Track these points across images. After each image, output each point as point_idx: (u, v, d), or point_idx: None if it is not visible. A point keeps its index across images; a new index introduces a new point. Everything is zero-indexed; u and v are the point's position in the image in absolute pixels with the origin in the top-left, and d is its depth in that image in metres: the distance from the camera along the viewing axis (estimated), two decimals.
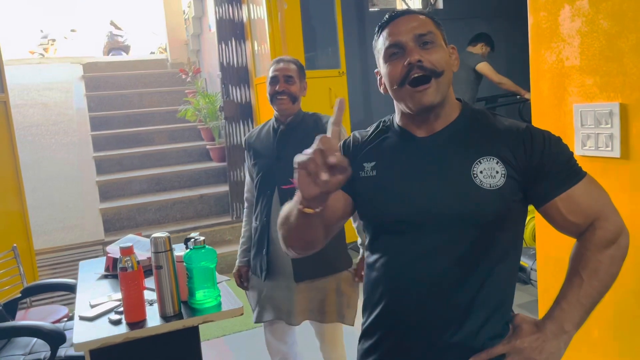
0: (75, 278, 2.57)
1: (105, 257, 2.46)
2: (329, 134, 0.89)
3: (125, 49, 9.29)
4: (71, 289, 2.67)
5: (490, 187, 1.04)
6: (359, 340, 1.23)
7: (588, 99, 1.60)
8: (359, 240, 2.11)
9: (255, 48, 5.05)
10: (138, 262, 1.74)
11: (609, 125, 1.53)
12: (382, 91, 1.17)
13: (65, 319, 2.84)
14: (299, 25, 4.41)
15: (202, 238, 1.84)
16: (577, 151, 1.63)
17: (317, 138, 0.88)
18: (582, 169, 1.08)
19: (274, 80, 2.09)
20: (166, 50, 8.19)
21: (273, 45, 4.41)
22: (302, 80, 2.14)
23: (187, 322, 1.79)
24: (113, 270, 2.34)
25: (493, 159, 1.05)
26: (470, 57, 4.68)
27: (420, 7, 6.03)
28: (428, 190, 1.07)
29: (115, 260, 2.32)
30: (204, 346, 2.03)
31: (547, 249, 1.84)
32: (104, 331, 1.73)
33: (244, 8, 5.07)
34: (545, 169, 1.05)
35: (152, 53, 9.36)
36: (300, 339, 2.40)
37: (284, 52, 4.31)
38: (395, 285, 1.12)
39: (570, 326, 1.04)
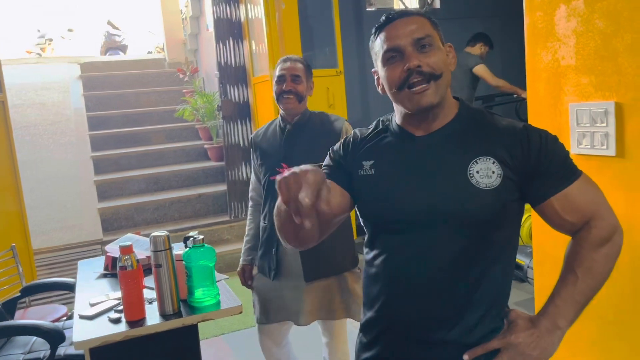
0: (74, 277, 2.57)
1: (104, 256, 2.47)
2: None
3: (123, 48, 9.28)
4: (70, 288, 2.68)
5: (486, 187, 1.05)
6: (358, 335, 1.25)
7: (584, 98, 1.61)
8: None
9: (253, 47, 5.06)
10: (137, 260, 1.75)
11: (605, 124, 1.55)
12: (380, 91, 1.18)
13: (64, 318, 2.85)
14: (297, 24, 4.42)
15: (201, 237, 1.85)
16: (573, 150, 1.64)
17: (311, 170, 0.89)
18: (578, 168, 1.09)
19: (280, 79, 2.08)
20: (164, 50, 8.18)
21: (271, 44, 4.42)
22: (308, 79, 2.13)
23: (186, 320, 1.80)
24: (112, 269, 2.35)
25: (489, 158, 1.07)
26: (469, 58, 4.69)
27: (418, 7, 6.04)
28: (425, 190, 1.08)
29: (114, 259, 2.33)
30: (203, 345, 2.04)
31: (544, 247, 1.85)
32: (104, 329, 1.74)
33: (242, 8, 5.08)
34: (542, 169, 1.06)
35: (150, 53, 9.35)
36: (295, 339, 2.41)
37: (281, 51, 4.32)
38: (393, 283, 1.13)
39: (563, 322, 1.06)
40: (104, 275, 2.38)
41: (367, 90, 5.61)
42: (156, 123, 6.56)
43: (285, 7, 4.35)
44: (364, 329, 1.22)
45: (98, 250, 4.72)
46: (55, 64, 7.53)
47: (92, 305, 1.97)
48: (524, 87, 2.10)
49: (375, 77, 1.19)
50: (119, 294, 2.01)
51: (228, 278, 2.21)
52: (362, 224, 1.23)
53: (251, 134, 5.26)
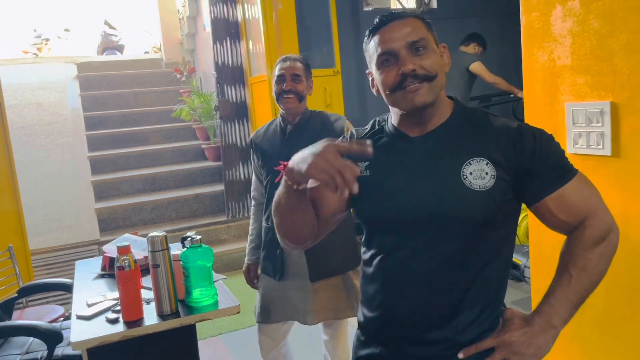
0: (71, 278, 2.57)
1: (101, 257, 2.47)
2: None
3: (120, 48, 9.26)
4: (67, 288, 2.68)
5: (479, 188, 1.05)
6: (356, 332, 1.26)
7: (579, 98, 1.62)
8: None
9: (250, 47, 5.06)
10: (135, 261, 1.75)
11: (600, 124, 1.56)
12: (374, 92, 1.18)
13: (62, 319, 2.85)
14: (294, 24, 4.42)
15: (198, 237, 1.85)
16: (569, 149, 1.65)
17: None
18: (573, 167, 1.09)
19: (280, 78, 2.07)
20: (161, 50, 8.17)
21: (268, 44, 4.42)
22: (308, 78, 2.12)
23: (184, 320, 1.80)
24: (110, 270, 2.35)
25: (483, 160, 1.07)
26: (464, 57, 4.71)
27: (414, 7, 6.05)
28: (419, 191, 1.09)
29: (111, 260, 2.33)
30: (201, 345, 2.04)
31: (540, 246, 1.86)
32: (102, 330, 1.74)
33: (239, 8, 5.08)
34: (536, 169, 1.06)
35: (147, 52, 9.34)
36: (294, 336, 2.41)
37: (279, 51, 4.32)
38: (389, 282, 1.14)
39: (558, 321, 1.07)
40: (102, 276, 2.38)
41: (364, 90, 5.62)
42: (153, 123, 6.56)
43: (282, 7, 4.36)
44: (361, 326, 1.23)
45: (95, 250, 4.71)
46: (52, 64, 7.52)
47: (89, 305, 1.97)
48: (520, 87, 2.10)
49: (370, 79, 1.19)
50: (116, 295, 2.01)
51: (226, 278, 2.21)
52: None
53: (249, 133, 5.29)
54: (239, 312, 1.88)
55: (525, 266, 3.31)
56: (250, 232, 2.32)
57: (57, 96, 6.56)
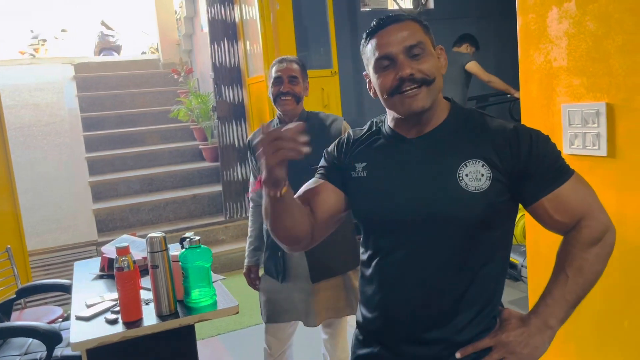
0: (69, 279, 2.58)
1: (99, 258, 2.47)
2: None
3: (117, 49, 9.25)
4: (66, 289, 2.68)
5: (475, 190, 1.06)
6: (355, 331, 1.27)
7: (575, 99, 1.63)
8: None
9: (248, 48, 5.07)
10: (134, 261, 1.75)
11: (596, 125, 1.57)
12: (371, 95, 1.19)
13: (60, 320, 2.85)
14: (291, 25, 4.42)
15: (197, 238, 1.85)
16: (565, 150, 1.66)
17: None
18: (570, 168, 1.10)
19: (277, 80, 2.07)
20: (158, 51, 8.17)
21: (265, 45, 4.43)
22: (305, 79, 2.12)
23: (183, 320, 1.81)
24: (108, 270, 2.35)
25: (479, 161, 1.07)
26: (460, 57, 4.73)
27: (412, 8, 6.06)
28: (415, 192, 1.10)
29: (110, 261, 2.33)
30: (199, 345, 2.05)
31: (538, 246, 1.87)
32: (101, 330, 1.75)
33: (236, 8, 5.08)
34: (532, 170, 1.07)
35: (144, 53, 9.33)
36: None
37: (276, 52, 4.33)
38: (386, 283, 1.15)
39: (554, 322, 1.07)
40: (100, 277, 2.38)
41: (362, 90, 5.62)
42: (151, 124, 6.55)
43: (279, 7, 4.36)
44: (360, 326, 1.24)
45: (93, 251, 4.71)
46: (49, 65, 7.51)
47: (88, 306, 1.97)
48: (517, 88, 2.12)
49: (367, 81, 1.19)
50: (114, 296, 2.02)
51: (224, 278, 2.22)
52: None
53: (246, 134, 5.29)
54: (237, 313, 1.89)
55: (522, 266, 3.32)
56: (249, 234, 2.32)
57: (54, 97, 6.55)
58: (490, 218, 1.08)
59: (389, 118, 1.20)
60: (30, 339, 2.48)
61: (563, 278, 1.08)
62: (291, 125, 0.99)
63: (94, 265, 2.51)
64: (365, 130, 1.25)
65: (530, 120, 1.79)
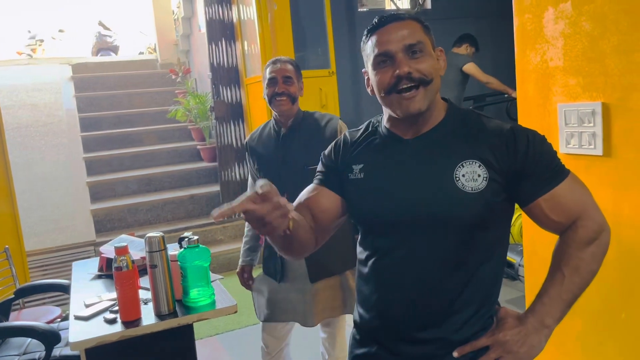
0: (67, 279, 2.58)
1: (98, 258, 2.47)
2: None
3: (114, 49, 9.25)
4: (65, 289, 2.68)
5: (472, 190, 1.06)
6: (352, 331, 1.28)
7: (571, 99, 1.64)
8: None
9: (246, 48, 5.07)
10: (133, 261, 1.76)
11: (592, 124, 1.58)
12: (369, 92, 1.19)
13: (59, 320, 2.86)
14: (289, 25, 4.43)
15: (196, 237, 1.86)
16: (562, 149, 1.67)
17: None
18: (565, 168, 1.11)
19: (272, 81, 2.07)
20: (155, 51, 8.16)
21: (263, 45, 4.44)
22: (299, 80, 2.13)
23: (181, 320, 1.81)
24: (107, 270, 2.36)
25: (475, 162, 1.08)
26: (457, 58, 4.74)
27: (409, 8, 6.07)
28: (412, 193, 1.10)
29: (109, 260, 2.34)
30: (198, 345, 2.05)
31: (535, 245, 1.88)
32: (100, 330, 1.75)
33: (234, 9, 5.09)
34: (528, 170, 1.07)
35: (141, 53, 9.32)
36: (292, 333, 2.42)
37: (274, 52, 4.34)
38: (383, 284, 1.15)
39: (551, 321, 1.08)
40: (99, 277, 2.38)
41: (360, 90, 5.64)
42: (148, 124, 6.55)
43: (277, 8, 4.37)
44: (357, 325, 1.25)
45: (91, 251, 4.71)
46: (46, 65, 7.51)
47: (87, 306, 1.97)
48: (513, 88, 2.13)
49: (365, 78, 1.20)
50: (112, 295, 2.02)
51: (223, 278, 2.22)
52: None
53: (244, 134, 5.30)
54: (236, 312, 1.89)
55: (519, 265, 3.34)
56: (245, 234, 2.33)
57: (51, 97, 6.55)
58: (487, 218, 1.08)
59: (385, 118, 1.20)
60: (29, 339, 2.48)
61: (559, 277, 1.09)
62: (225, 206, 0.97)
63: (93, 265, 2.51)
64: (361, 131, 1.26)
65: (526, 119, 1.80)
